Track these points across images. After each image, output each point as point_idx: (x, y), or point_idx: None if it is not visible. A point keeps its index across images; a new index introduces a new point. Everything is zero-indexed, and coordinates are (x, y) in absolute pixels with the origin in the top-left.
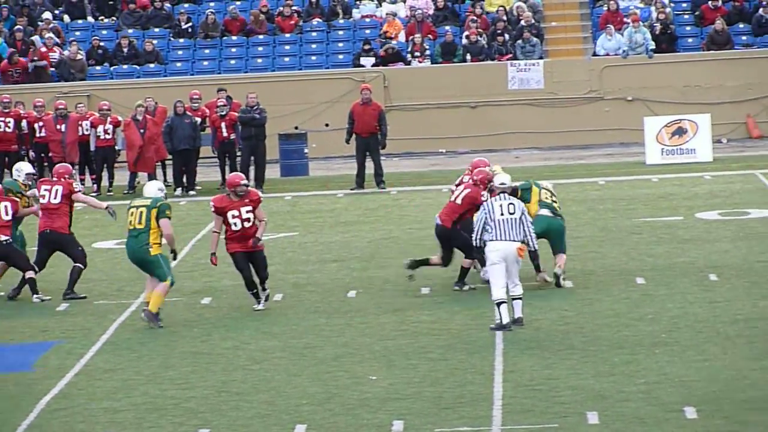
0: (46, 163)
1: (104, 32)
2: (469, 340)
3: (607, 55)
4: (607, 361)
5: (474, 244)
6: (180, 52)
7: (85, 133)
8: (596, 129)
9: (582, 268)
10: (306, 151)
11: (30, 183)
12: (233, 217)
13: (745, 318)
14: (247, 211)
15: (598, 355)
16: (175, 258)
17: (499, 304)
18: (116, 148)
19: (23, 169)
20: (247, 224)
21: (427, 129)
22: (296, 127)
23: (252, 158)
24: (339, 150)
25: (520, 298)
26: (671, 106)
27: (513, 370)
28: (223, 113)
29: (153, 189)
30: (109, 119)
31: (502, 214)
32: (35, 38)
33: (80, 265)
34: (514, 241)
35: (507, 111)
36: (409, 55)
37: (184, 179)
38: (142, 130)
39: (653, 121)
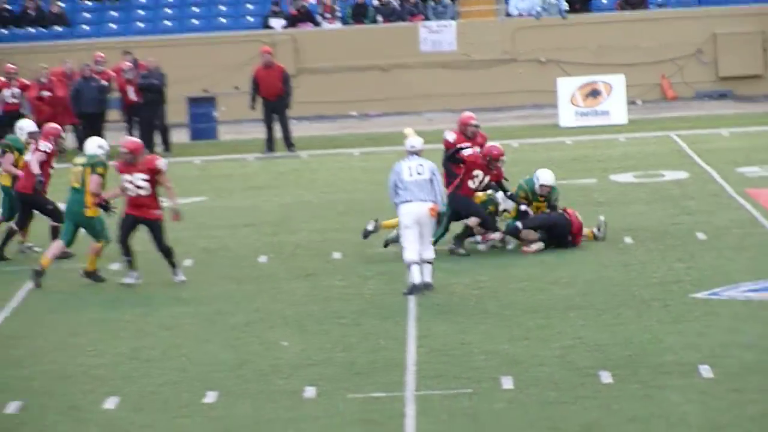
0: None
1: None
2: (382, 305)
3: (521, 15)
4: (521, 325)
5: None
6: (87, 15)
7: None
8: (510, 91)
9: None
10: (215, 114)
11: (30, 141)
12: (126, 182)
13: (660, 281)
14: (142, 179)
15: (512, 319)
16: (107, 210)
17: (410, 266)
18: (22, 111)
19: (25, 127)
20: (142, 192)
21: (338, 92)
22: (205, 90)
23: (155, 123)
24: (249, 113)
25: (430, 263)
26: (585, 68)
27: (426, 335)
28: (130, 77)
29: (92, 146)
30: (16, 82)
31: (411, 176)
32: None
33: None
34: (425, 201)
35: (419, 73)
36: (319, 17)
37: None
38: (47, 93)
39: (567, 83)
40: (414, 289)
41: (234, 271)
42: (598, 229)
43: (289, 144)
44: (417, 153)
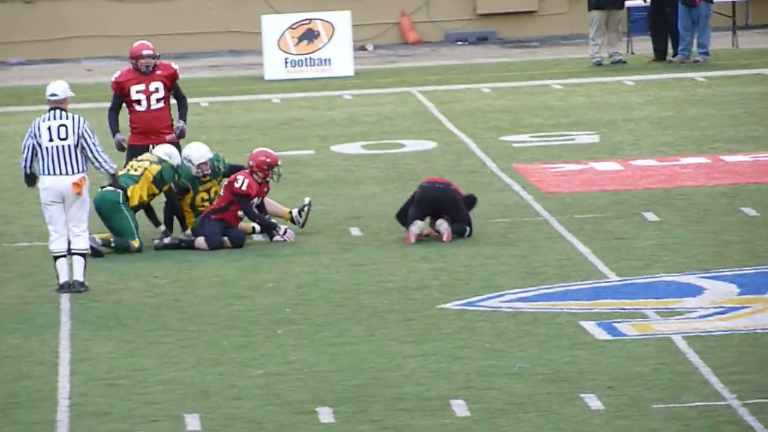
0: None
1: None
2: (24, 317)
3: None
4: (212, 345)
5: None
6: None
7: None
8: (197, 32)
9: None
10: None
11: None
12: None
13: (400, 287)
14: None
15: (200, 337)
16: None
17: (56, 259)
18: None
19: None
20: None
21: None
22: None
23: None
24: None
25: (81, 254)
26: (298, 1)
27: (84, 359)
28: None
29: None
30: None
31: (51, 140)
32: None
33: None
34: (68, 174)
35: (71, 6)
36: None
37: None
38: None
39: (273, 21)
40: (63, 289)
41: None
42: (299, 213)
43: None
44: (60, 106)
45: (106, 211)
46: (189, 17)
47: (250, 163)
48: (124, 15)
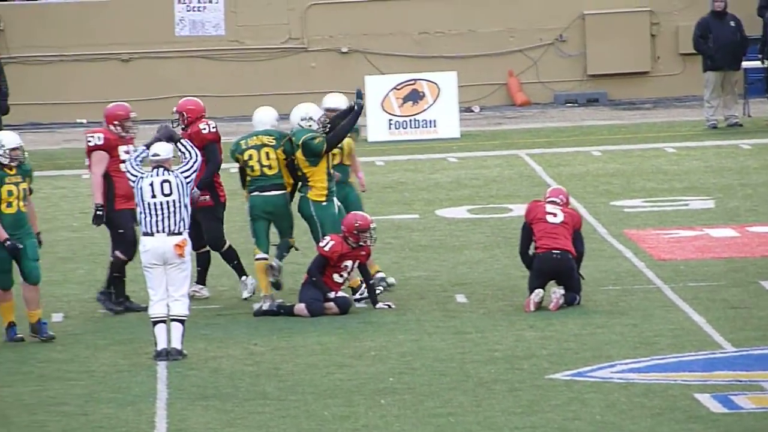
0: None
1: None
2: (120, 386)
3: None
4: (313, 415)
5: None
6: None
7: None
8: (298, 92)
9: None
10: None
11: None
12: None
13: (506, 356)
14: None
15: (301, 407)
16: None
17: (155, 324)
18: None
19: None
20: None
21: (61, 90)
22: None
23: None
24: None
25: (180, 320)
26: (403, 61)
27: (181, 429)
28: None
29: None
30: None
31: (153, 196)
32: None
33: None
34: (170, 233)
35: (174, 66)
36: None
37: None
38: None
39: (378, 82)
40: (160, 356)
41: None
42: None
43: None
44: (163, 165)
45: None
46: (291, 77)
47: (342, 227)
48: (220, 75)
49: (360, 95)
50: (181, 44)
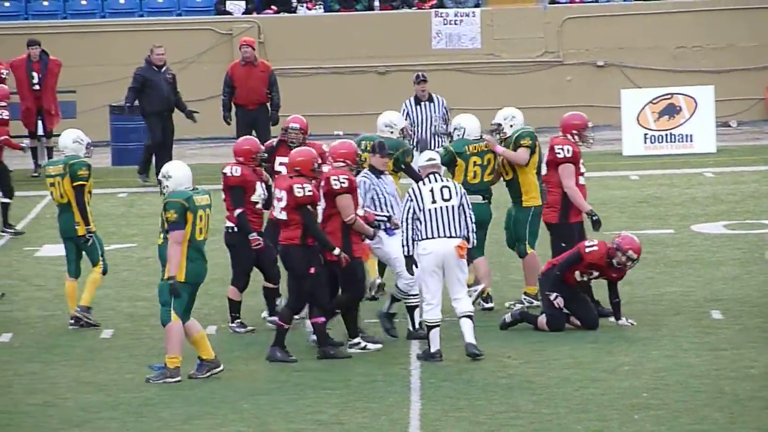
0: None
1: None
2: (374, 396)
3: (571, 2)
4: (565, 429)
5: (404, 251)
6: None
7: None
8: (553, 105)
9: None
10: None
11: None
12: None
13: (763, 373)
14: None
15: (553, 420)
16: None
17: (431, 329)
18: None
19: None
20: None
21: (319, 102)
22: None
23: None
24: (195, 129)
25: (469, 316)
26: (659, 75)
27: None
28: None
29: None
30: None
31: (433, 202)
32: None
33: None
34: (452, 237)
35: (430, 79)
36: (294, 0)
37: None
38: None
39: (633, 96)
40: (432, 358)
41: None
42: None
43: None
44: (437, 171)
45: None
46: (546, 91)
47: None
48: (474, 88)
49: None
50: (437, 57)
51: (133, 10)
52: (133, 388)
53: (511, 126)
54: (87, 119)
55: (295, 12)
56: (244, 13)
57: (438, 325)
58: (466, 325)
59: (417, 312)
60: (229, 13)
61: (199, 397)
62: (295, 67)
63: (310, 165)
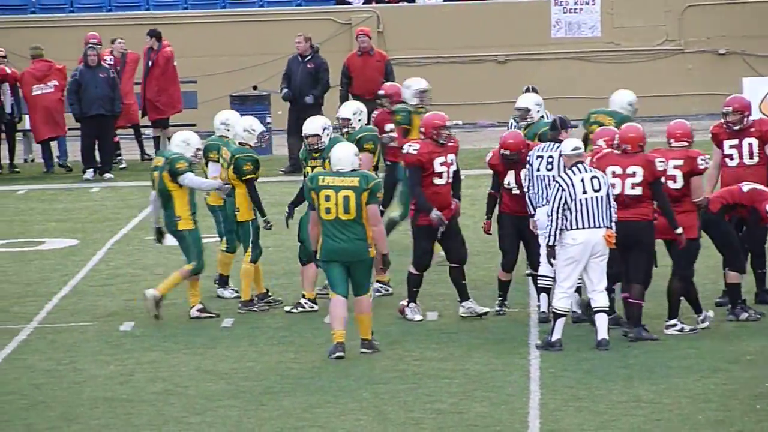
0: None
1: None
2: (493, 385)
3: None
4: (686, 420)
5: (548, 241)
6: None
7: None
8: (675, 94)
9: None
10: (269, 120)
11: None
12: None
13: None
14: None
15: (674, 410)
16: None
17: (558, 316)
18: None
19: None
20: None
21: (438, 92)
22: (255, 87)
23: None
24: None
25: (605, 311)
26: None
27: (554, 430)
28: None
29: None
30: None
31: (584, 192)
32: None
33: None
34: (601, 227)
35: (549, 67)
36: None
37: (97, 155)
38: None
39: (756, 84)
40: (551, 347)
41: (290, 333)
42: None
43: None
44: (582, 160)
45: None
46: (667, 79)
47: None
48: (594, 76)
49: None
50: (556, 46)
51: (253, 1)
52: (254, 377)
53: (538, 112)
54: (207, 110)
55: (414, 1)
56: (363, 3)
57: (565, 315)
58: (601, 320)
59: (544, 296)
60: (349, 3)
61: (319, 386)
62: (414, 56)
63: (641, 141)
